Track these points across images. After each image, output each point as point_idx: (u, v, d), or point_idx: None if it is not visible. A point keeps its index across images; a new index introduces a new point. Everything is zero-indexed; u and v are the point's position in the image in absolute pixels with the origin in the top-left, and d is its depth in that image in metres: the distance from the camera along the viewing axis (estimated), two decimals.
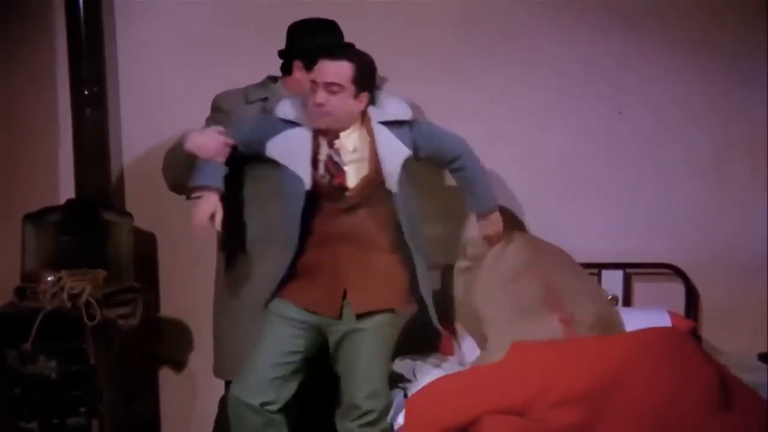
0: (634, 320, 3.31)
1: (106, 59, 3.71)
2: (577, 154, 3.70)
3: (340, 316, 2.97)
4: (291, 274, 3.00)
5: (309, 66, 3.05)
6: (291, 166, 2.95)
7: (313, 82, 2.92)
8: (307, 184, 2.93)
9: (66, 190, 3.71)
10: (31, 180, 3.78)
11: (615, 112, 3.69)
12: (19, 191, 3.75)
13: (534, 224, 3.65)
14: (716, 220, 3.66)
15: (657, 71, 3.66)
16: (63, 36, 3.67)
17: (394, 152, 2.98)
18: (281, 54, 3.24)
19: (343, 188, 2.96)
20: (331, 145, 2.95)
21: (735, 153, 3.66)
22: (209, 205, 2.88)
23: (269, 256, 3.06)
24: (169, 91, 3.69)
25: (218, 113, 3.18)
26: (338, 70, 2.90)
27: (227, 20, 3.68)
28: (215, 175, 2.93)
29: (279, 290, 3.00)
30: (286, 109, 3.01)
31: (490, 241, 3.27)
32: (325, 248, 2.98)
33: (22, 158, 3.78)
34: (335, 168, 2.95)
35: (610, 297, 3.64)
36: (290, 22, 3.62)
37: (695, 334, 3.47)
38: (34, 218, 3.57)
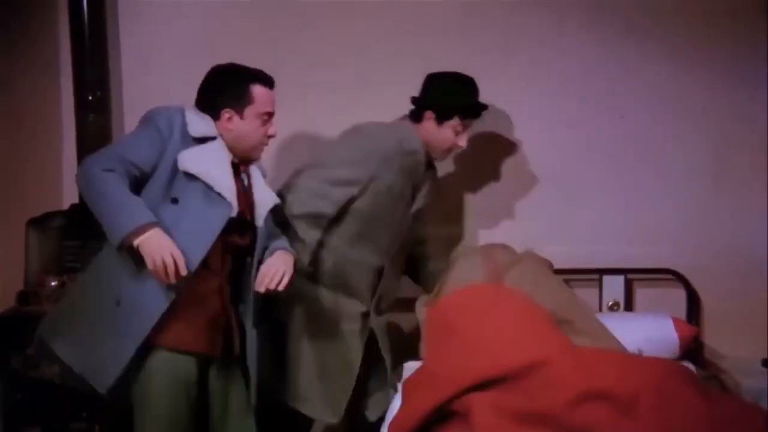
0: (637, 326, 3.32)
1: (110, 64, 3.72)
2: (578, 158, 3.71)
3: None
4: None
5: (441, 119, 3.23)
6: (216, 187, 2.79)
7: None
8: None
9: (69, 195, 3.71)
10: (34, 185, 3.78)
11: (616, 116, 3.70)
12: (22, 196, 3.75)
13: (535, 229, 3.66)
14: (717, 225, 3.66)
15: (659, 75, 3.66)
16: (66, 40, 3.69)
17: (266, 197, 2.95)
18: (415, 100, 3.31)
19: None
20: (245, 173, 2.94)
21: (736, 157, 3.66)
22: (170, 243, 2.63)
23: None
24: (172, 96, 3.62)
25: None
26: None
27: (231, 25, 3.70)
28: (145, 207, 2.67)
29: None
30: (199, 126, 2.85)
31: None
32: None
33: (26, 163, 3.78)
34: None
35: (611, 303, 3.65)
36: (295, 26, 3.68)
37: (698, 340, 3.47)
38: (38, 223, 3.57)
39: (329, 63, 3.73)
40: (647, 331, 3.24)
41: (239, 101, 2.85)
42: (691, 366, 3.28)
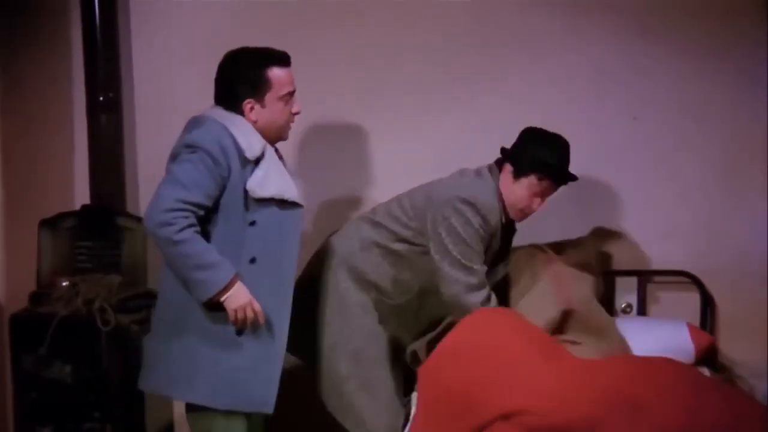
0: (652, 332, 3.29)
1: (122, 65, 3.72)
2: (591, 160, 3.67)
3: None
4: None
5: (517, 174, 3.12)
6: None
7: None
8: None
9: (81, 196, 3.72)
10: (46, 186, 3.79)
11: (630, 119, 3.68)
12: (34, 197, 3.77)
13: (548, 231, 3.62)
14: (731, 226, 3.63)
15: (672, 77, 3.63)
16: (78, 42, 3.69)
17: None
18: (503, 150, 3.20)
19: None
20: None
21: (751, 159, 3.62)
22: (249, 299, 2.75)
23: None
24: (184, 97, 3.66)
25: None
26: None
27: (243, 26, 3.68)
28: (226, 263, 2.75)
29: None
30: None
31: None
32: None
33: (38, 164, 3.80)
34: None
35: (624, 305, 3.63)
36: (307, 27, 3.63)
37: (713, 347, 3.44)
38: (50, 224, 3.58)
39: (341, 62, 3.71)
40: (662, 341, 3.21)
41: (258, 89, 2.81)
42: (706, 370, 3.27)
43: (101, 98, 3.65)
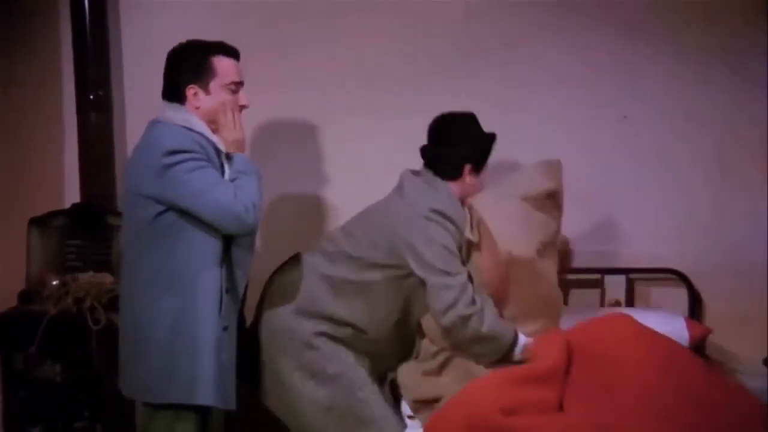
0: (649, 322, 3.28)
1: (112, 63, 3.71)
2: (581, 158, 3.69)
3: None
4: None
5: (479, 169, 3.08)
6: None
7: None
8: None
9: (71, 195, 3.71)
10: (36, 184, 3.78)
11: (620, 117, 3.70)
12: (24, 195, 3.75)
13: None
14: (721, 225, 3.67)
15: (662, 76, 3.66)
16: (68, 40, 3.67)
17: None
18: (446, 157, 3.09)
19: None
20: None
21: (740, 158, 3.66)
22: None
23: None
24: None
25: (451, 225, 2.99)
26: None
27: (234, 25, 3.68)
28: None
29: None
30: None
31: None
32: None
33: (28, 162, 3.78)
34: None
35: (613, 301, 3.65)
36: (299, 28, 3.64)
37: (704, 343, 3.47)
38: (40, 222, 3.56)
39: (333, 62, 3.72)
40: (661, 329, 3.21)
41: (202, 75, 2.78)
42: None
43: (91, 97, 3.63)
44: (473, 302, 2.90)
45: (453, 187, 3.06)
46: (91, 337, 3.32)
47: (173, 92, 2.80)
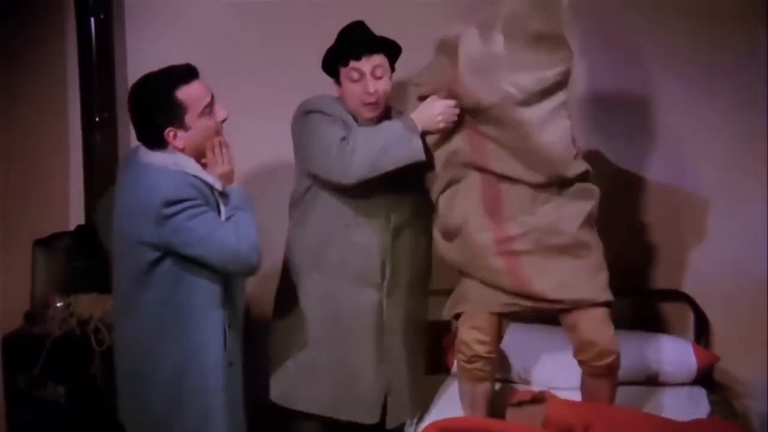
0: (657, 347, 3.31)
1: (117, 85, 3.72)
2: None
3: None
4: None
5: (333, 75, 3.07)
6: None
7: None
8: None
9: (76, 216, 3.72)
10: (41, 205, 3.79)
11: (621, 136, 3.67)
12: (29, 217, 3.76)
13: None
14: (726, 246, 3.63)
15: (663, 99, 3.64)
16: (74, 61, 3.70)
17: None
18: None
19: None
20: None
21: (743, 178, 3.63)
22: None
23: None
24: None
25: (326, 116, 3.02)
26: None
27: (237, 44, 3.70)
28: None
29: None
30: None
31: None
32: None
33: (33, 183, 3.79)
34: None
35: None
36: (300, 45, 3.62)
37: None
38: (45, 244, 3.57)
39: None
40: (667, 353, 3.19)
41: (175, 115, 2.63)
42: (703, 391, 3.26)
43: (97, 118, 3.65)
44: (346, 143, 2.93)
45: (341, 92, 3.07)
46: (95, 358, 3.32)
47: (154, 140, 2.66)
